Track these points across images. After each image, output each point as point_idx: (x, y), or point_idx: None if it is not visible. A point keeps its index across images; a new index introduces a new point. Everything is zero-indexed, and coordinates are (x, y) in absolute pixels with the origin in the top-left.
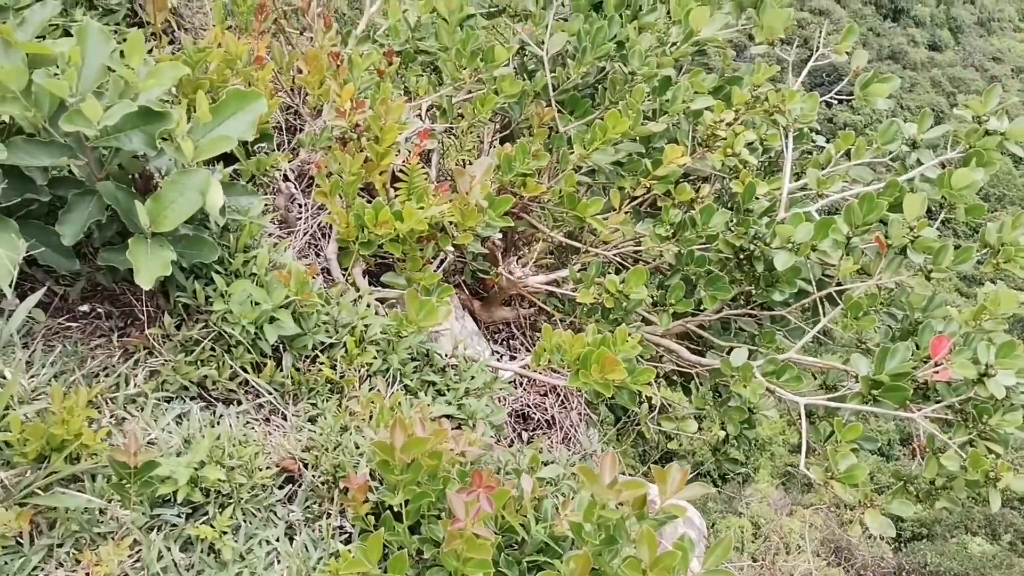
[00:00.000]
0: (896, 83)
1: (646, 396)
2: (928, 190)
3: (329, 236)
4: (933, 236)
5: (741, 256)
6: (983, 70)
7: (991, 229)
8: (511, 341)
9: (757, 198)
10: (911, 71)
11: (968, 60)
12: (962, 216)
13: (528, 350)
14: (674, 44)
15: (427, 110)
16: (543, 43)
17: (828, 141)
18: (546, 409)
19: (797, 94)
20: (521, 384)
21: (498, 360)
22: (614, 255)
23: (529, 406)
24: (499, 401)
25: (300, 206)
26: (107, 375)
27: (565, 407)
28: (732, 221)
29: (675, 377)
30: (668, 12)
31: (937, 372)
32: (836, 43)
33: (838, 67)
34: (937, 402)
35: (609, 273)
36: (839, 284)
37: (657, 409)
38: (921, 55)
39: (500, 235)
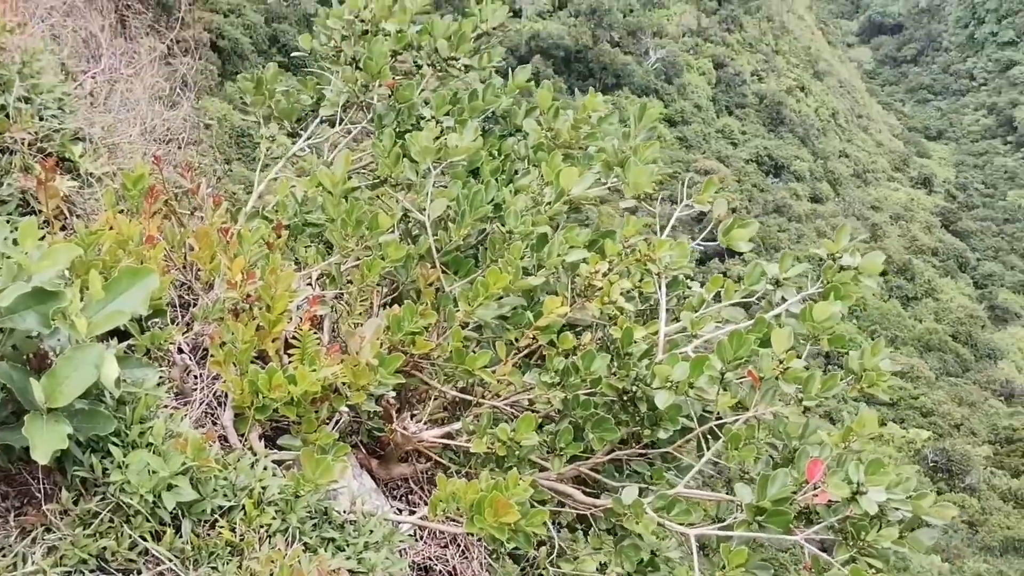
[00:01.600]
0: (755, 227)
1: (545, 539)
2: (794, 324)
3: (225, 404)
4: (801, 367)
5: (625, 398)
6: (864, 218)
7: (853, 357)
8: (410, 496)
9: (636, 342)
10: (796, 223)
11: (848, 210)
12: (826, 346)
13: (427, 504)
14: (548, 203)
15: (317, 278)
16: (424, 209)
17: (702, 285)
18: (447, 560)
19: (666, 243)
20: (421, 537)
21: (397, 514)
22: (506, 405)
23: (430, 559)
24: (399, 554)
25: (196, 377)
26: (3, 555)
27: (466, 557)
28: (613, 365)
29: (575, 522)
30: (541, 174)
31: (816, 495)
32: (698, 195)
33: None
34: (819, 524)
35: (502, 422)
36: (719, 418)
37: (556, 552)
38: (804, 207)
39: (394, 393)
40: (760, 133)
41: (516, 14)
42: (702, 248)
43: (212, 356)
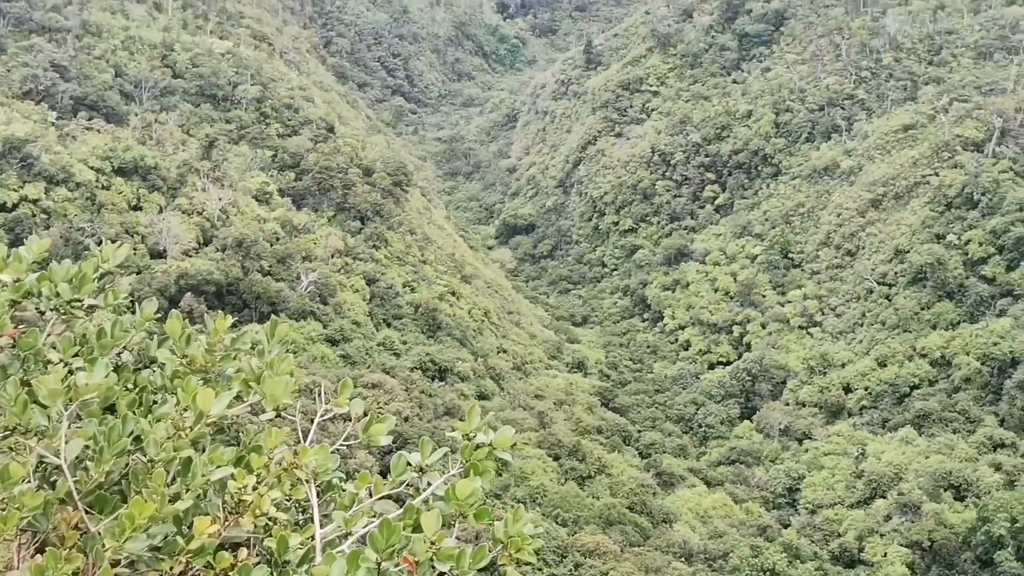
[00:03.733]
0: (391, 422)
1: None
2: (441, 506)
3: None
4: (452, 545)
5: None
6: (530, 408)
7: (499, 527)
8: None
9: (292, 549)
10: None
11: (515, 402)
12: (473, 523)
13: None
14: (189, 427)
15: None
16: (59, 452)
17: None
18: None
19: (310, 450)
20: None
21: None
22: None
23: None
24: None
25: None
26: None
27: None
28: (273, 575)
29: None
30: (179, 400)
31: None
32: (337, 399)
33: None
34: None
35: None
36: None
37: None
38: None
39: None
40: (420, 340)
41: (160, 255)
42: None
43: None
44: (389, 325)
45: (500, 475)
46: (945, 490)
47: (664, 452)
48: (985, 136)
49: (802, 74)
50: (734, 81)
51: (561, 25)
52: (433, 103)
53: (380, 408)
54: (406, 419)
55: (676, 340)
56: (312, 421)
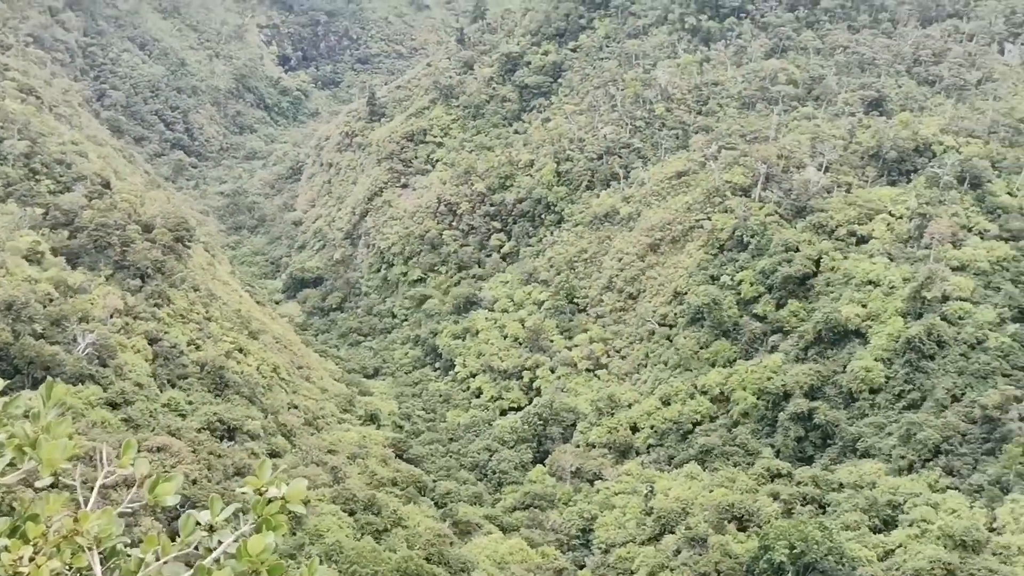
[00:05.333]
0: (180, 479)
1: None
2: (233, 564)
3: None
4: None
5: None
6: (323, 463)
7: None
8: None
9: None
10: None
11: (307, 458)
12: None
13: None
14: None
15: None
16: None
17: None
18: None
19: (91, 515)
20: None
21: None
22: None
23: None
24: None
25: None
26: None
27: None
28: None
29: None
30: None
31: None
32: (120, 461)
33: None
34: None
35: None
36: None
37: None
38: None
39: None
40: (208, 400)
41: None
42: None
43: None
44: (174, 386)
45: (295, 533)
46: (729, 522)
47: (460, 500)
48: (751, 181)
49: (580, 124)
50: (516, 131)
51: (344, 77)
52: (215, 157)
53: (166, 471)
54: (194, 481)
55: (468, 388)
56: (92, 489)
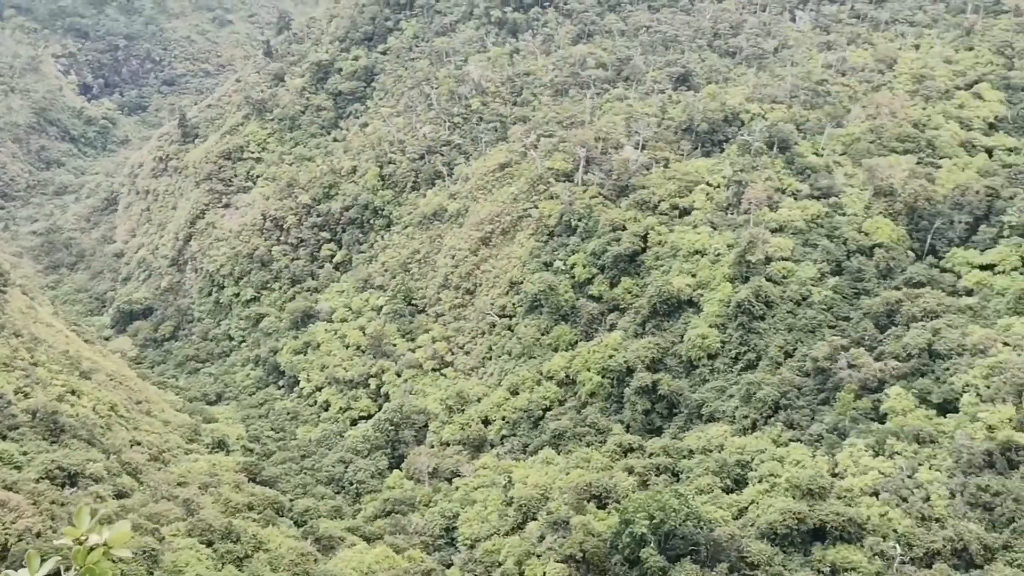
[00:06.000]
0: None
1: None
2: None
3: None
4: None
5: None
6: (174, 497)
7: None
8: None
9: None
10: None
11: (157, 494)
12: None
13: None
14: None
15: None
16: None
17: None
18: None
19: None
20: None
21: None
22: None
23: None
24: None
25: None
26: None
27: None
28: None
29: None
30: None
31: None
32: None
33: None
34: None
35: None
36: None
37: None
38: (111, 505)
39: None
40: (43, 448)
41: None
42: None
43: None
44: (4, 437)
45: (151, 573)
46: (588, 501)
47: (320, 516)
48: (573, 166)
49: (399, 126)
50: (335, 139)
51: (151, 101)
52: (22, 196)
53: (6, 528)
54: (38, 534)
55: (315, 402)
56: None
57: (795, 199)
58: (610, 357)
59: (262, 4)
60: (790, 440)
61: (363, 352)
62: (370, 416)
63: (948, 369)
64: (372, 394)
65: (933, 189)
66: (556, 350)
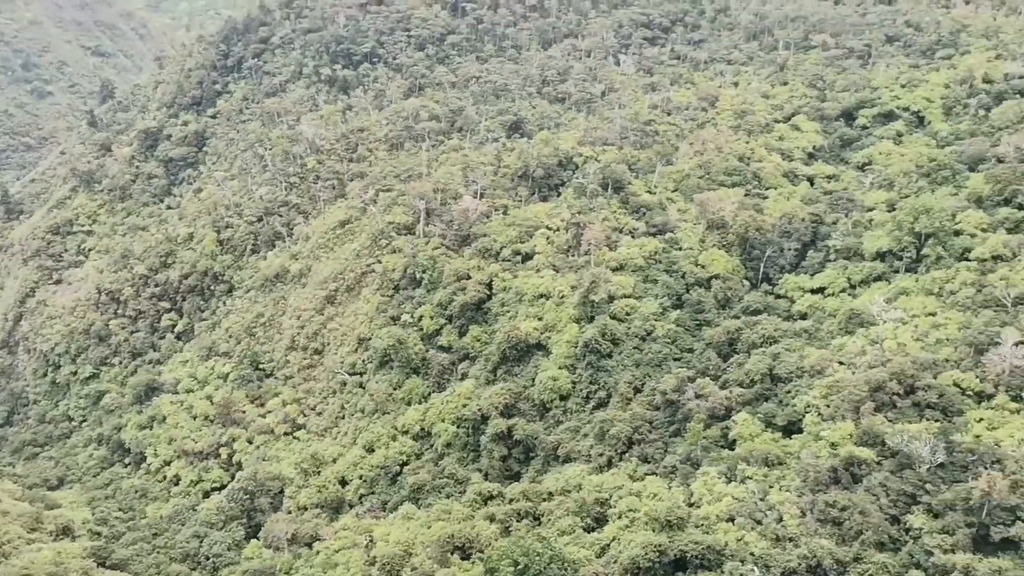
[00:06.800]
0: None
1: None
2: None
3: None
4: None
5: None
6: None
7: None
8: None
9: None
10: None
11: None
12: None
13: None
14: None
15: None
16: None
17: None
18: None
19: None
20: None
21: None
22: None
23: None
24: None
25: None
26: None
27: None
28: None
29: None
30: None
31: None
32: None
33: None
34: None
35: None
36: None
37: None
38: None
39: None
40: None
41: None
42: None
43: None
44: None
45: None
46: (452, 553)
47: None
48: (413, 219)
49: (234, 189)
50: (168, 207)
51: None
52: None
53: None
54: None
55: (165, 477)
56: None
57: (633, 237)
58: (464, 406)
59: (82, 74)
60: (646, 474)
61: (212, 421)
62: (223, 487)
63: (789, 392)
64: (224, 464)
65: (762, 219)
66: (409, 403)
